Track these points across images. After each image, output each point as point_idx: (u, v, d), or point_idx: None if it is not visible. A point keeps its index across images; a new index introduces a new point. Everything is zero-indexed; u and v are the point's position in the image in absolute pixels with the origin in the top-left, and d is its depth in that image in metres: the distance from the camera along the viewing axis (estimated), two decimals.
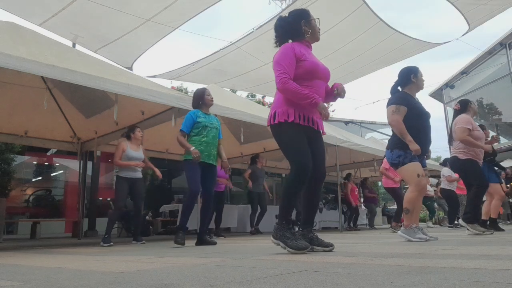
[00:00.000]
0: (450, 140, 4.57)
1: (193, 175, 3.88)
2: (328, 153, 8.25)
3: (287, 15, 2.68)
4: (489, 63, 15.00)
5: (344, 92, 2.63)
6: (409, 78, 3.53)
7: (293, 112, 2.44)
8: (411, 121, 3.35)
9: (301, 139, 2.45)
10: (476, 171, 4.37)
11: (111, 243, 4.35)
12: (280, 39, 2.64)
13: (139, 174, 4.88)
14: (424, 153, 3.43)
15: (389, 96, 3.67)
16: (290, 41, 2.63)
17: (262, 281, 1.27)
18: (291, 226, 2.41)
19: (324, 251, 2.42)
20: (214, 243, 3.88)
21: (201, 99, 4.11)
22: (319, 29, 2.67)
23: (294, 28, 2.60)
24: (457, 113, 4.60)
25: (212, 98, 4.19)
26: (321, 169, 2.59)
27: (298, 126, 2.46)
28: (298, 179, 2.41)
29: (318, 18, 2.67)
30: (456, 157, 4.41)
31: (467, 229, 4.27)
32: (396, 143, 3.40)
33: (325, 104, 2.51)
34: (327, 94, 2.67)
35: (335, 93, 2.62)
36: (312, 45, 2.73)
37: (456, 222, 7.78)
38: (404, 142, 3.33)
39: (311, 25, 2.62)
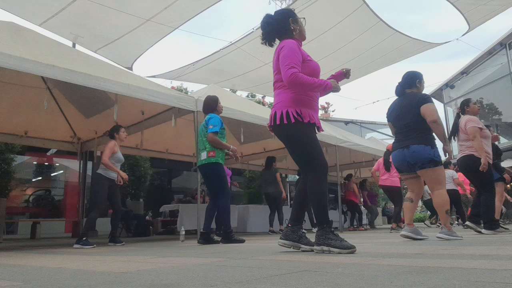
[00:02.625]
0: (453, 136, 4.53)
1: (225, 179, 4.15)
2: (328, 153, 8.27)
3: (273, 14, 2.67)
4: (489, 63, 15.00)
5: (349, 74, 2.73)
6: (414, 83, 3.63)
7: (306, 113, 2.44)
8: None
9: (316, 139, 2.49)
10: (491, 175, 4.37)
11: (94, 245, 4.13)
12: (268, 36, 2.62)
13: (114, 175, 4.66)
14: None
15: (391, 96, 3.74)
16: (277, 40, 2.61)
17: (262, 281, 1.27)
18: (333, 228, 2.34)
19: (311, 250, 2.40)
20: (218, 242, 3.97)
21: (215, 106, 4.33)
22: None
23: (282, 26, 2.57)
24: (457, 114, 4.62)
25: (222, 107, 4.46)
26: None
27: (311, 126, 2.47)
28: (326, 177, 2.43)
29: (304, 18, 2.66)
30: (473, 155, 4.31)
31: (476, 231, 4.30)
32: (433, 141, 3.43)
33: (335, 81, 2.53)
34: (335, 76, 2.74)
35: (344, 72, 2.72)
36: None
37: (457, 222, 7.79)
38: (434, 141, 3.43)
39: (299, 23, 2.61)
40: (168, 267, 1.84)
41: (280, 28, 2.58)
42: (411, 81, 3.63)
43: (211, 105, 4.33)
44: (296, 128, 2.42)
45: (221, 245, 3.73)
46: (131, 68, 8.88)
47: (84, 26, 7.36)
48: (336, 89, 2.51)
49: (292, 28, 2.56)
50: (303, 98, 2.46)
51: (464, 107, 4.54)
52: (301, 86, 2.37)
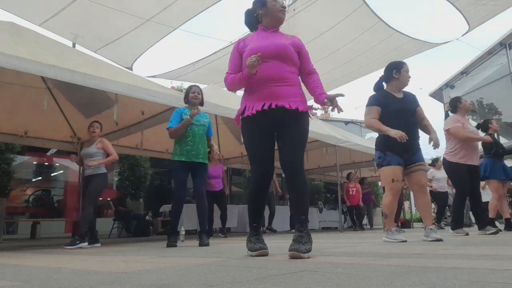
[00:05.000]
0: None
1: (177, 177, 3.93)
2: (328, 153, 8.28)
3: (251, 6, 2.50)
4: (489, 63, 14.99)
5: (334, 103, 2.27)
6: (391, 74, 3.51)
7: (248, 104, 2.37)
8: (386, 120, 3.36)
9: (251, 135, 2.46)
10: (458, 176, 4.37)
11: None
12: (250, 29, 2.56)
13: (90, 171, 4.39)
14: (408, 150, 3.36)
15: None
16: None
17: (262, 281, 1.27)
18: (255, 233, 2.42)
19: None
20: (206, 245, 3.77)
21: (186, 97, 4.13)
22: (283, 7, 2.42)
23: (251, 17, 2.48)
24: (448, 114, 4.66)
25: (196, 95, 4.09)
26: None
27: (249, 120, 2.39)
28: (255, 181, 2.46)
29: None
30: (444, 159, 4.50)
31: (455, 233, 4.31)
32: (377, 143, 3.50)
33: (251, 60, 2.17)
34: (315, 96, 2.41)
35: (326, 102, 2.28)
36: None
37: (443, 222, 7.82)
38: (382, 143, 3.41)
39: (267, 7, 2.39)
40: (168, 267, 1.84)
41: (250, 20, 2.50)
42: (388, 73, 3.54)
43: (184, 97, 4.19)
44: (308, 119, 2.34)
45: (221, 245, 3.72)
46: (131, 68, 8.88)
47: (84, 26, 7.36)
48: (251, 67, 2.18)
49: (259, 15, 2.43)
50: (247, 88, 2.40)
51: (457, 104, 4.57)
52: (230, 86, 2.42)
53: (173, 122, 3.93)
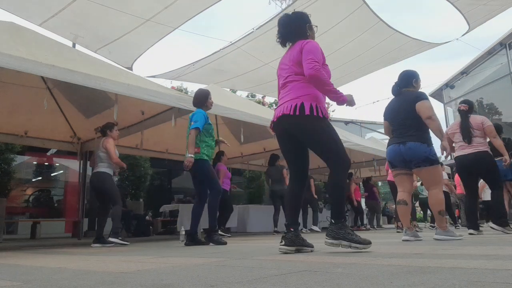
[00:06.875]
0: (469, 137, 4.37)
1: (212, 174, 4.00)
2: None
3: (290, 13, 2.71)
4: (489, 63, 14.97)
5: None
6: (411, 82, 3.64)
7: (324, 109, 2.48)
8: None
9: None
10: (499, 172, 4.46)
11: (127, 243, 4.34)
12: (284, 36, 2.66)
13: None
14: None
15: (391, 96, 3.74)
16: (288, 43, 2.66)
17: (262, 281, 1.27)
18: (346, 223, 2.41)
19: (312, 251, 2.47)
20: (205, 243, 3.89)
21: (205, 101, 4.19)
22: None
23: (299, 29, 2.61)
24: (465, 112, 4.53)
25: (212, 102, 4.31)
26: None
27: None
28: (347, 172, 2.48)
29: (316, 26, 2.71)
30: (488, 152, 4.33)
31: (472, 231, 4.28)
32: (427, 140, 3.41)
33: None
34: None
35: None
36: None
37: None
38: (430, 140, 3.42)
39: (312, 30, 2.68)
40: (168, 267, 1.84)
41: (296, 30, 2.62)
42: (408, 80, 3.64)
43: (201, 99, 4.18)
44: (322, 122, 2.44)
45: (220, 245, 3.72)
46: (131, 68, 8.87)
47: (84, 26, 7.35)
48: (352, 104, 2.55)
49: (308, 34, 2.62)
50: (323, 96, 2.53)
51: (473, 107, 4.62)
52: (319, 82, 2.38)
53: (199, 123, 3.94)
